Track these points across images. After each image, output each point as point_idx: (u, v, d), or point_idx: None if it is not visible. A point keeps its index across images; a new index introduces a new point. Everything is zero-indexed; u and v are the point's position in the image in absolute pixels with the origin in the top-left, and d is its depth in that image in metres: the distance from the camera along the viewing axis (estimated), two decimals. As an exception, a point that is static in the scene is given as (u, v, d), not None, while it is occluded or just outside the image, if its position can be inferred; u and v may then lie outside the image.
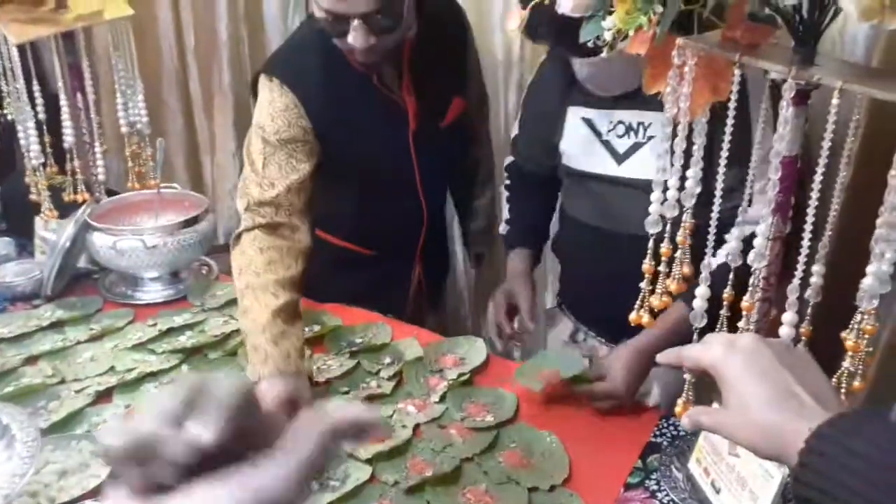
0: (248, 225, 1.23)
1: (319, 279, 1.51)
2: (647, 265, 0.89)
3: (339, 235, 1.52)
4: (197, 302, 1.47)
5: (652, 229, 0.87)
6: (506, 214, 1.49)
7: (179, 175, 2.51)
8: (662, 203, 0.85)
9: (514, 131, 1.45)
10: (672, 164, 0.84)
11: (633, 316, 0.92)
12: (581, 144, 1.26)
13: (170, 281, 1.54)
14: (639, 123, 1.20)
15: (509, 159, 1.49)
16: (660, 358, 0.62)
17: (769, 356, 0.56)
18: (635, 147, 1.20)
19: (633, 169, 1.20)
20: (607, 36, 0.78)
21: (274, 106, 1.28)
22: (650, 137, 1.19)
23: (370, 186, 1.41)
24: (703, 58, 0.81)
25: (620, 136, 1.22)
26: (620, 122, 1.21)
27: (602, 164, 1.24)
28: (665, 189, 0.86)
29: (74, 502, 0.93)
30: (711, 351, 0.57)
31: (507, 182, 1.50)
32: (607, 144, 1.23)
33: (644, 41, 0.83)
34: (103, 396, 1.20)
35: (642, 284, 0.90)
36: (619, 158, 1.22)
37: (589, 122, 1.25)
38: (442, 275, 1.69)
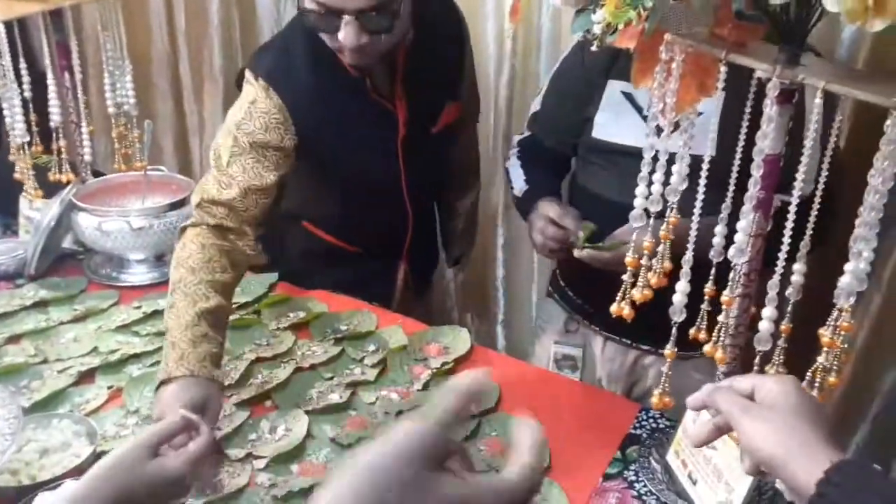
0: (195, 220, 1.18)
1: (306, 269, 1.53)
2: (630, 259, 0.90)
3: (325, 230, 1.51)
4: (182, 285, 1.47)
5: (637, 223, 0.88)
6: (520, 181, 1.37)
7: (168, 159, 2.50)
8: (647, 197, 0.86)
9: (536, 107, 1.40)
10: (657, 160, 0.85)
11: (614, 307, 0.93)
12: (617, 117, 1.23)
13: (155, 264, 1.53)
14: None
15: (523, 134, 1.44)
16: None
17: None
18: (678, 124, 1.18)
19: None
20: (596, 29, 0.79)
21: (256, 106, 1.23)
22: (700, 114, 1.15)
23: (356, 190, 1.40)
24: (691, 54, 0.82)
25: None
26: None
27: (636, 137, 1.17)
28: (650, 184, 0.86)
29: (55, 480, 0.92)
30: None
31: (519, 154, 1.42)
32: (647, 119, 1.18)
33: (633, 36, 0.84)
34: (86, 377, 1.20)
35: (625, 277, 0.91)
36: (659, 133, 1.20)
37: (629, 97, 1.22)
38: (429, 269, 1.69)
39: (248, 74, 1.26)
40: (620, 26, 0.76)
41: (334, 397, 1.15)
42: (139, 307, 1.39)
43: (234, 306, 1.37)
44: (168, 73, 2.46)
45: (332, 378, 1.20)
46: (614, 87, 1.24)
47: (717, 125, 0.84)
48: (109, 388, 1.18)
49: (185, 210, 1.51)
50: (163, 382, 0.99)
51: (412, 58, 1.30)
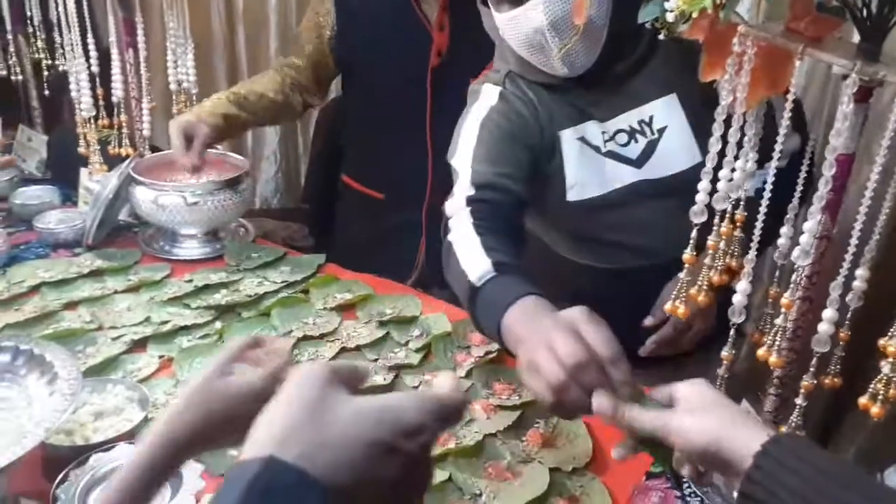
0: (276, 67, 1.63)
1: (342, 225, 1.68)
2: (688, 255, 0.88)
3: (358, 179, 1.62)
4: (233, 262, 1.49)
5: (697, 219, 0.86)
6: (484, 261, 0.97)
7: (221, 139, 2.54)
8: (710, 193, 0.84)
9: (466, 164, 1.13)
10: (725, 155, 0.83)
11: (668, 306, 0.91)
12: (586, 166, 1.15)
13: (207, 239, 1.56)
14: (640, 122, 1.14)
15: (466, 193, 1.09)
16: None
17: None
18: (651, 146, 1.14)
19: (657, 169, 1.15)
20: (669, 17, 0.77)
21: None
22: (662, 129, 1.13)
23: (384, 121, 1.49)
24: (763, 48, 0.80)
25: (626, 144, 1.14)
26: (619, 130, 1.14)
27: (620, 175, 1.14)
28: (715, 180, 0.84)
29: (108, 443, 0.95)
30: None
31: (472, 221, 1.05)
32: (613, 154, 1.15)
33: (703, 27, 0.82)
34: (138, 345, 1.23)
35: (681, 275, 0.89)
36: (637, 163, 1.15)
37: (583, 140, 1.15)
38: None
39: None
40: (695, 14, 0.74)
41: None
42: (190, 281, 1.42)
43: (283, 284, 1.40)
44: (225, 54, 2.50)
45: (376, 360, 1.21)
46: (568, 137, 1.15)
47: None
48: (160, 357, 1.20)
49: (239, 188, 1.53)
50: None
51: None
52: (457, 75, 1.38)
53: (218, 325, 1.30)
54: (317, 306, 1.35)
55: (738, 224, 0.83)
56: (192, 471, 0.93)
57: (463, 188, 1.10)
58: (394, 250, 1.53)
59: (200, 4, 2.42)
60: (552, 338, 0.75)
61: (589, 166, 1.16)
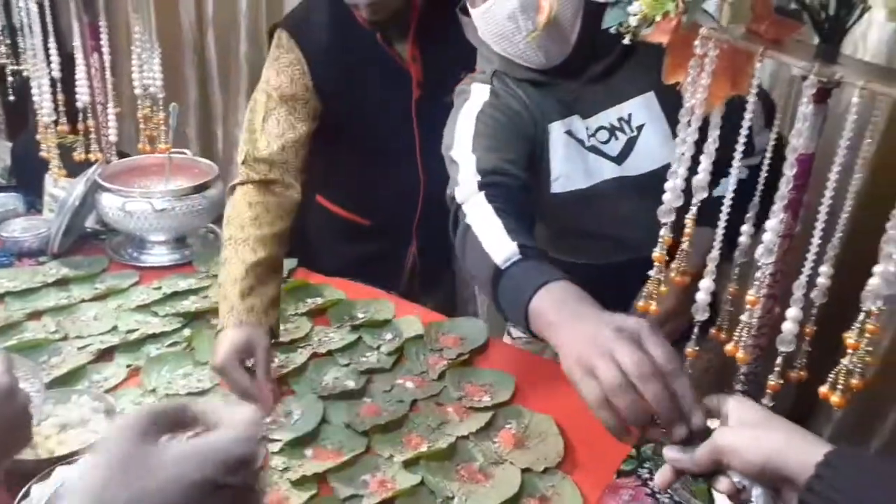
0: (242, 179, 1.26)
1: (318, 246, 1.57)
2: (657, 254, 0.89)
3: (338, 203, 1.54)
4: (202, 268, 1.48)
5: (665, 218, 0.87)
6: (506, 242, 0.94)
7: (191, 144, 2.52)
8: (684, 191, 0.85)
9: (468, 155, 1.11)
10: (683, 154, 0.84)
11: (640, 303, 0.92)
12: (571, 159, 1.16)
13: (176, 245, 1.54)
14: (619, 119, 1.15)
15: (474, 180, 1.07)
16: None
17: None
18: (631, 143, 1.16)
19: (638, 165, 1.16)
20: (632, 21, 0.78)
21: (280, 61, 1.32)
22: (641, 127, 1.15)
23: (370, 151, 1.42)
24: (726, 50, 0.81)
25: (607, 141, 1.16)
26: (601, 127, 1.16)
27: (602, 170, 1.16)
28: (680, 178, 0.85)
29: (72, 455, 0.93)
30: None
31: (492, 205, 1.02)
32: (595, 149, 1.17)
33: (666, 30, 0.83)
34: (105, 355, 1.21)
35: (651, 272, 0.90)
36: (618, 159, 1.16)
37: (570, 133, 1.16)
38: (441, 259, 1.68)
39: (276, 32, 1.35)
40: (658, 18, 0.75)
41: (350, 384, 1.15)
42: (159, 288, 1.40)
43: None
44: (195, 59, 2.48)
45: (348, 364, 1.20)
46: (556, 129, 1.15)
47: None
48: (128, 366, 1.19)
49: (209, 193, 1.52)
50: (219, 332, 1.08)
51: (425, 18, 1.34)
52: (438, 100, 1.38)
53: (187, 332, 1.28)
54: (288, 312, 1.34)
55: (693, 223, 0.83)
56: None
57: (469, 175, 1.08)
58: (375, 273, 1.50)
59: (169, 8, 2.39)
60: (613, 347, 0.70)
61: (574, 159, 1.17)
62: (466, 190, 1.06)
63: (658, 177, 1.05)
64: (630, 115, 1.16)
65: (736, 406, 0.70)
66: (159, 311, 1.32)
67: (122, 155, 1.68)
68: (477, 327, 1.31)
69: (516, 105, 1.16)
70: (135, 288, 1.41)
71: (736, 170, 0.81)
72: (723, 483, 0.68)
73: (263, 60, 1.83)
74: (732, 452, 0.66)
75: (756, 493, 0.68)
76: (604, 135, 1.17)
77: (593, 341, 0.72)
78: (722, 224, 0.83)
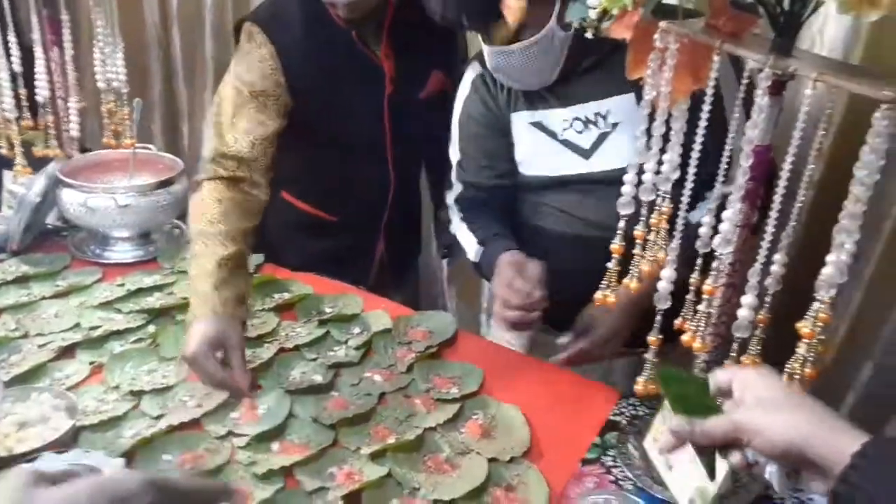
0: (209, 175, 1.24)
1: (282, 242, 1.54)
2: (616, 245, 0.90)
3: (305, 199, 1.53)
4: (167, 264, 1.46)
5: (624, 210, 0.88)
6: (473, 245, 1.30)
7: (156, 140, 2.49)
8: (637, 185, 0.87)
9: (456, 157, 1.34)
10: (650, 148, 0.85)
11: (598, 295, 0.93)
12: (537, 150, 1.23)
13: (140, 242, 1.52)
14: (596, 114, 1.18)
15: (456, 191, 1.35)
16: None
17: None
18: (602, 138, 1.19)
19: (604, 161, 1.19)
20: (592, 15, 0.79)
21: (251, 56, 1.30)
22: (615, 124, 1.18)
23: (340, 147, 1.41)
24: (686, 44, 0.82)
25: (581, 132, 1.20)
26: (576, 118, 1.19)
27: (567, 165, 1.21)
28: (641, 172, 0.87)
29: (31, 453, 0.92)
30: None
31: (460, 215, 1.35)
32: (568, 143, 1.21)
33: (628, 25, 0.84)
34: (67, 352, 1.19)
35: (609, 264, 0.91)
36: (587, 153, 1.20)
37: (539, 126, 1.22)
38: (409, 255, 1.69)
39: (245, 25, 1.34)
40: (615, 12, 0.76)
41: (317, 378, 1.15)
42: (122, 284, 1.38)
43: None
44: (160, 54, 2.45)
45: (315, 359, 1.20)
46: (520, 120, 1.24)
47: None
48: (91, 363, 1.17)
49: (173, 189, 1.50)
50: (189, 325, 1.06)
51: (400, 14, 1.35)
52: (408, 96, 1.40)
53: (151, 328, 1.26)
54: (254, 307, 1.33)
55: (665, 215, 0.85)
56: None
57: (455, 184, 1.36)
58: (342, 269, 1.49)
59: (132, 3, 2.36)
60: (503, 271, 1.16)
61: (541, 150, 1.22)
62: (450, 198, 1.37)
63: (619, 177, 1.07)
64: (608, 111, 1.18)
65: (755, 381, 0.68)
66: (123, 308, 1.31)
67: (85, 150, 1.65)
68: (445, 321, 1.32)
69: (489, 98, 1.27)
70: (98, 285, 1.39)
71: (696, 157, 0.83)
72: (735, 457, 0.68)
73: (229, 57, 1.82)
74: (755, 432, 0.65)
75: (770, 469, 0.68)
76: (579, 125, 1.20)
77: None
78: (682, 213, 0.85)
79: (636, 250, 0.90)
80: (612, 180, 1.15)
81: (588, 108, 1.19)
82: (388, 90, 1.38)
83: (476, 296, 2.08)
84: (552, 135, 1.22)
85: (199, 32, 2.40)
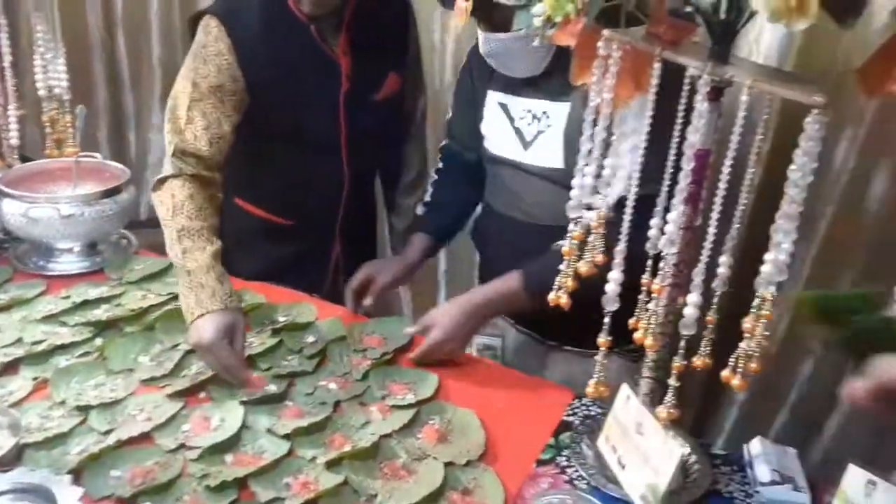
0: (175, 171, 1.25)
1: (237, 250, 1.48)
2: (566, 248, 0.92)
3: (259, 204, 1.51)
4: (114, 275, 1.43)
5: (573, 213, 0.90)
6: (427, 198, 1.50)
7: (102, 148, 2.42)
8: (583, 189, 0.88)
9: (449, 114, 1.47)
10: (591, 153, 0.87)
11: (551, 296, 0.95)
12: (497, 129, 1.30)
13: (86, 253, 1.48)
14: (542, 112, 1.23)
15: (444, 142, 1.51)
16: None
17: None
18: (538, 134, 1.24)
19: (536, 156, 1.24)
20: (536, 22, 0.80)
21: (208, 49, 1.30)
22: (549, 126, 1.23)
23: (295, 144, 1.41)
24: (628, 51, 0.84)
25: (529, 124, 1.26)
26: (528, 110, 1.25)
27: (512, 150, 1.27)
28: (585, 177, 0.89)
29: (-27, 473, 0.89)
30: None
31: (440, 165, 1.51)
32: (518, 131, 1.27)
33: (572, 33, 0.86)
34: (9, 368, 1.16)
35: (561, 266, 0.93)
36: (526, 144, 1.26)
37: (504, 108, 1.28)
38: (365, 258, 1.68)
39: (203, 18, 1.32)
40: (558, 19, 0.78)
41: (271, 388, 1.14)
42: (67, 297, 1.34)
43: (169, 297, 1.35)
44: (104, 58, 2.39)
45: (269, 369, 1.19)
46: (493, 98, 1.30)
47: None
48: (34, 379, 1.13)
49: (120, 198, 1.47)
50: (197, 317, 1.12)
51: (358, 13, 1.36)
52: (364, 95, 1.40)
53: (98, 341, 1.23)
54: (205, 317, 1.30)
55: (601, 219, 0.87)
56: (72, 492, 0.89)
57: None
58: (299, 274, 1.49)
59: (74, 7, 2.30)
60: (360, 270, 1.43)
61: (501, 129, 1.29)
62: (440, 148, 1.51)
63: (548, 173, 1.22)
64: (547, 112, 1.23)
65: None
66: (68, 321, 1.27)
67: (25, 159, 1.60)
68: (400, 327, 1.32)
69: (467, 74, 1.38)
70: (41, 298, 1.35)
71: (638, 164, 0.85)
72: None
73: (177, 61, 1.78)
74: None
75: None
76: (529, 118, 1.26)
77: None
78: (627, 218, 0.87)
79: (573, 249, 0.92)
80: (541, 175, 1.25)
81: (539, 105, 1.24)
82: (344, 87, 1.38)
83: (433, 299, 2.09)
84: (511, 120, 1.27)
85: (145, 36, 2.35)
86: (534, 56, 1.17)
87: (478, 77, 1.34)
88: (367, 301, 1.38)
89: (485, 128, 1.33)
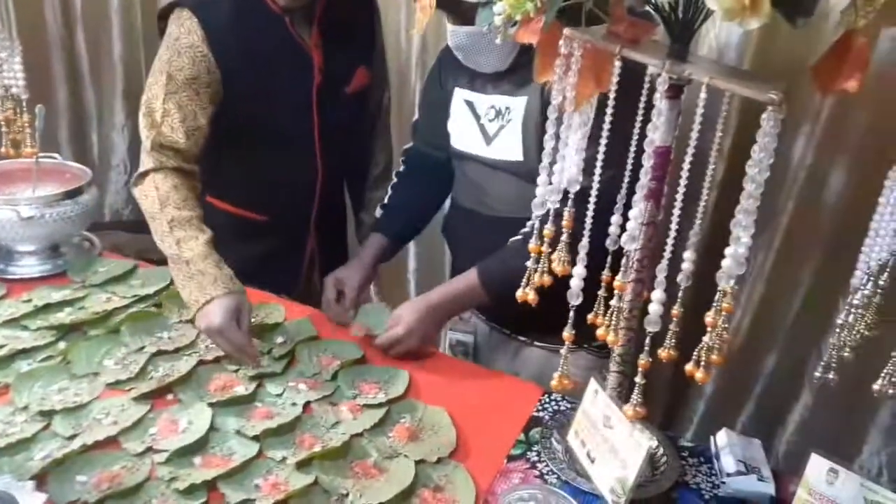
0: (155, 165, 1.26)
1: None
2: (533, 245, 0.93)
3: (232, 201, 1.51)
4: (77, 278, 1.40)
5: (538, 210, 0.91)
6: (385, 200, 1.50)
7: (63, 149, 2.38)
8: (548, 186, 0.89)
9: (416, 115, 1.48)
10: (558, 150, 0.88)
11: (519, 293, 0.96)
12: (463, 125, 1.31)
13: (48, 255, 1.46)
14: (505, 107, 1.25)
15: (408, 145, 1.51)
16: None
17: None
18: (500, 129, 1.26)
19: (498, 150, 1.26)
20: (497, 21, 0.81)
21: (180, 42, 1.29)
22: (509, 121, 1.25)
23: (269, 138, 1.40)
24: (589, 50, 0.85)
25: (491, 120, 1.27)
26: (492, 106, 1.27)
27: (476, 145, 1.29)
28: (550, 174, 0.89)
29: (-68, 483, 0.87)
30: None
31: (401, 168, 1.51)
32: (482, 128, 1.29)
33: (534, 31, 0.87)
34: (-31, 374, 1.13)
35: (528, 263, 0.94)
36: (489, 140, 1.28)
37: (470, 105, 1.30)
38: (338, 254, 1.68)
39: (175, 10, 1.32)
40: (518, 18, 0.78)
41: (239, 389, 1.13)
42: (29, 300, 1.32)
43: (133, 299, 1.34)
44: (63, 56, 2.34)
45: (237, 370, 1.18)
46: (459, 95, 1.32)
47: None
48: (-5, 385, 1.11)
49: (81, 199, 1.44)
50: (203, 303, 1.14)
51: (328, 7, 1.37)
52: (335, 88, 1.40)
53: (62, 345, 1.21)
54: (172, 319, 1.29)
55: (571, 218, 0.88)
56: (35, 498, 0.87)
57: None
58: (273, 271, 1.48)
59: (32, 4, 2.25)
60: (327, 282, 1.41)
61: (468, 127, 1.30)
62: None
63: (510, 166, 1.25)
64: (508, 108, 1.24)
65: None
66: (30, 325, 1.25)
67: (-18, 161, 1.56)
68: (383, 313, 1.31)
69: (436, 75, 1.40)
70: (2, 301, 1.32)
71: (600, 163, 0.86)
72: None
73: (138, 60, 1.75)
74: None
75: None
76: (491, 114, 1.27)
77: None
78: (590, 215, 0.88)
79: (544, 248, 0.92)
80: (503, 168, 1.27)
81: (501, 100, 1.25)
82: (317, 80, 1.38)
83: (402, 295, 2.09)
84: (477, 117, 1.29)
85: (105, 34, 2.31)
86: (500, 51, 1.18)
87: (445, 75, 1.36)
88: (350, 314, 1.37)
89: (451, 125, 1.34)
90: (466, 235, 1.38)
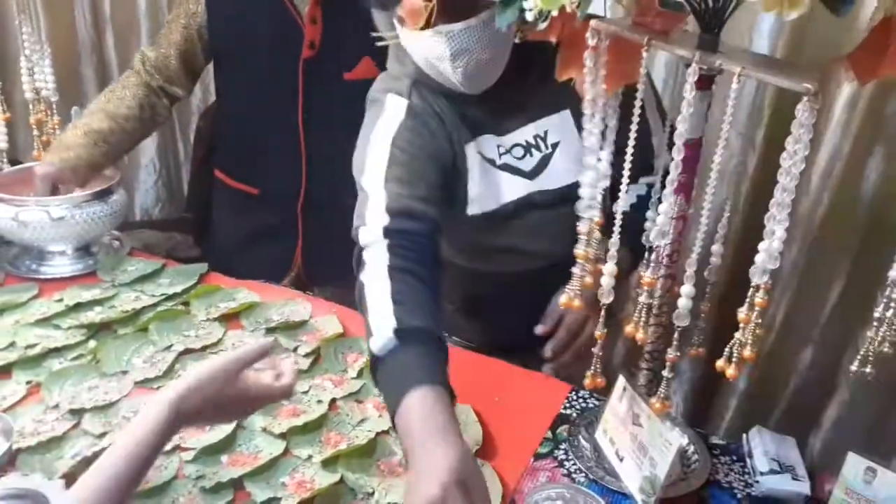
0: (136, 68, 1.51)
1: (218, 222, 1.65)
2: (581, 251, 0.90)
3: (230, 173, 1.59)
4: (107, 277, 1.42)
5: (586, 213, 0.88)
6: (387, 322, 0.90)
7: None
8: (595, 186, 0.87)
9: (379, 186, 1.03)
10: (602, 148, 0.86)
11: (563, 300, 0.93)
12: (489, 181, 1.15)
13: (78, 255, 1.47)
14: (535, 136, 1.15)
15: (381, 225, 0.99)
16: None
17: None
18: (545, 161, 1.16)
19: (549, 181, 1.16)
20: (529, 17, 0.79)
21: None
22: (555, 144, 1.16)
23: (255, 108, 1.46)
24: (615, 41, 0.84)
25: (521, 158, 1.16)
26: (516, 144, 1.15)
27: (512, 188, 1.15)
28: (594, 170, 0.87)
29: (-33, 479, 0.88)
30: None
31: (390, 258, 0.96)
32: (507, 167, 1.15)
33: (555, 28, 0.85)
34: (2, 372, 1.15)
35: (575, 269, 0.91)
36: (529, 175, 1.16)
37: (481, 155, 1.15)
38: (333, 241, 1.66)
39: None
40: (554, 12, 0.76)
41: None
42: (60, 300, 1.33)
43: (162, 297, 1.35)
44: (94, 60, 2.38)
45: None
46: (472, 150, 1.14)
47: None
48: (28, 383, 1.13)
49: (111, 199, 1.46)
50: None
51: None
52: (330, 69, 1.40)
53: (92, 344, 1.23)
54: (199, 318, 1.30)
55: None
56: (66, 497, 0.88)
57: (377, 215, 1.00)
58: (268, 250, 1.51)
59: (62, 8, 2.28)
60: (447, 496, 0.73)
61: (487, 180, 1.15)
62: (371, 235, 0.99)
63: (571, 189, 0.96)
64: (546, 132, 1.16)
65: None
66: (61, 324, 1.26)
67: (14, 163, 1.59)
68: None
69: (433, 124, 1.11)
70: (34, 301, 1.34)
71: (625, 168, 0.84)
72: None
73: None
74: None
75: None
76: (519, 151, 1.16)
77: (429, 474, 0.75)
78: (617, 231, 0.86)
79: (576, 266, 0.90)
80: (558, 198, 1.15)
81: (527, 132, 1.15)
82: (304, 54, 1.38)
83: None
84: (491, 162, 1.15)
85: (134, 36, 2.34)
86: (500, 40, 1.01)
87: (442, 136, 1.12)
88: None
89: (475, 190, 1.14)
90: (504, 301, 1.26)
